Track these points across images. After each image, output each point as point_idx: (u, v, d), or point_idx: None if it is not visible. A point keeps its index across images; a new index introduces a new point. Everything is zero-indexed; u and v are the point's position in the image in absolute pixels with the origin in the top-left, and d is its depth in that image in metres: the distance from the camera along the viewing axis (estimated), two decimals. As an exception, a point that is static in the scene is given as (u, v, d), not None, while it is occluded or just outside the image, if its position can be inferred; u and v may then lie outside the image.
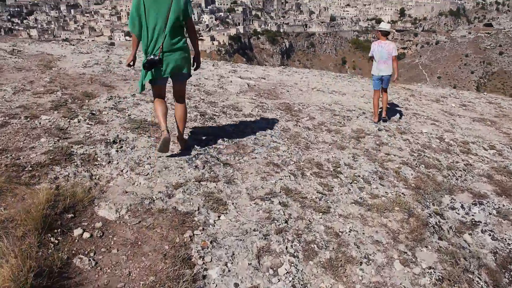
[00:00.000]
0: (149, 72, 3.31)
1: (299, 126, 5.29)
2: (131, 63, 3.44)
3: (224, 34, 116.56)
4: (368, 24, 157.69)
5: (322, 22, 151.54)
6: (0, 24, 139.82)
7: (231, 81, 7.21)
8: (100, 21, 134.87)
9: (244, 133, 4.63)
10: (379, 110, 6.10)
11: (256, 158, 4.00)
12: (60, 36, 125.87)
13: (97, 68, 6.60)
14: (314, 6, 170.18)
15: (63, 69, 6.32)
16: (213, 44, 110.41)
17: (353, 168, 4.27)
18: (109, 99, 5.00)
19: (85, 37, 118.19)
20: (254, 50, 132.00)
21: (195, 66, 3.69)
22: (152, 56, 3.25)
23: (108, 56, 7.97)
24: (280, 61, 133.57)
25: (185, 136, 4.07)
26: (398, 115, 6.66)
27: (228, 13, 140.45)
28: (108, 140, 3.78)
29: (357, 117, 6.15)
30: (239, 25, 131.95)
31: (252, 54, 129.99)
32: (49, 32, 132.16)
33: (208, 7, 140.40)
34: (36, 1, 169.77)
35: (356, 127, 5.66)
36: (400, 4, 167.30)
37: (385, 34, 6.08)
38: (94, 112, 4.49)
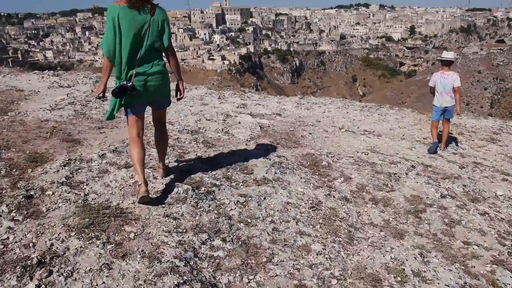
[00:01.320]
0: (124, 98, 2.97)
1: (333, 196, 3.78)
2: (101, 95, 3.10)
3: (234, 54, 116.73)
4: (378, 42, 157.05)
5: (332, 41, 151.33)
6: (17, 46, 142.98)
7: (239, 122, 5.76)
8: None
9: (257, 218, 3.13)
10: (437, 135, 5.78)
11: (276, 277, 2.48)
12: (74, 58, 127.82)
13: (68, 111, 5.22)
14: (324, 25, 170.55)
15: (22, 114, 4.96)
16: (223, 63, 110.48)
17: (428, 280, 2.72)
18: (64, 165, 3.54)
19: (99, 58, 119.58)
20: (265, 69, 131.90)
21: (178, 96, 3.39)
22: (124, 82, 2.92)
23: (92, 91, 6.62)
24: (291, 79, 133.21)
25: (167, 161, 3.75)
26: (457, 167, 5.11)
27: (239, 33, 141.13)
28: (30, 262, 2.24)
29: (406, 173, 4.61)
30: (249, 44, 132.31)
31: (263, 73, 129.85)
32: (64, 53, 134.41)
33: (219, 27, 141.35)
34: (52, 24, 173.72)
35: (409, 191, 4.12)
36: (410, 22, 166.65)
37: (449, 63, 5.78)
38: (31, 193, 3.03)
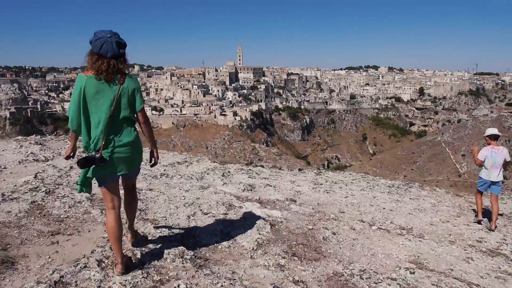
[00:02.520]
0: (96, 170, 2.82)
1: None
2: (71, 154, 2.99)
3: (246, 110, 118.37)
4: (388, 102, 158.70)
5: (342, 100, 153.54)
6: (38, 97, 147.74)
7: (244, 218, 4.54)
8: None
9: None
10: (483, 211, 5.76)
11: None
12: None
13: (23, 204, 4.06)
14: (334, 85, 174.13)
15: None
16: (235, 119, 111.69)
17: None
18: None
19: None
20: (275, 126, 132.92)
21: (152, 162, 3.29)
22: (92, 153, 2.82)
23: (71, 167, 5.55)
24: (301, 136, 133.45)
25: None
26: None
27: (251, 91, 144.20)
28: None
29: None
30: (261, 101, 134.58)
31: (273, 129, 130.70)
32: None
33: (232, 85, 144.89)
34: (73, 78, 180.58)
35: None
36: (419, 84, 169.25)
37: (496, 138, 5.86)
38: None
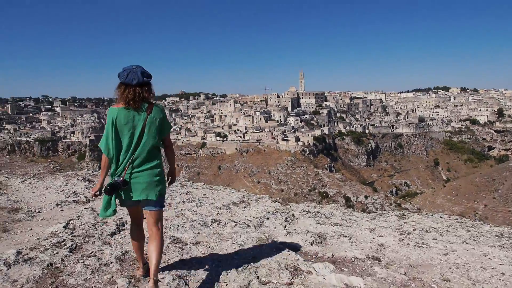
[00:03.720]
0: (113, 200, 3.03)
1: None
2: (97, 193, 3.11)
3: (308, 135, 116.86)
4: (462, 125, 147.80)
5: (410, 123, 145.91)
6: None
7: (315, 291, 3.37)
8: (196, 123, 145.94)
9: None
10: None
11: None
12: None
13: (37, 267, 3.22)
14: (400, 108, 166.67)
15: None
16: (297, 144, 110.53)
17: None
18: None
19: (182, 137, 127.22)
20: (339, 151, 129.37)
21: (169, 181, 3.44)
22: (116, 178, 3.00)
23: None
24: (366, 161, 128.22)
25: (160, 275, 3.24)
26: None
27: (313, 116, 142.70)
28: None
29: None
30: (323, 126, 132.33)
31: (337, 154, 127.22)
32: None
33: (294, 110, 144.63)
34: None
35: None
36: (497, 104, 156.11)
37: None
38: None
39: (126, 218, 4.72)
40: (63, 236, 3.84)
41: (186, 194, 6.40)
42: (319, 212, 6.16)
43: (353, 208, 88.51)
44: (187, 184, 7.42)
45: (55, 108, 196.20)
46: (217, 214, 5.46)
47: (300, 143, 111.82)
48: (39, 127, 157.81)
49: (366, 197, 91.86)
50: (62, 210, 4.84)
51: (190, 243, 4.15)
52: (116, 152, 3.02)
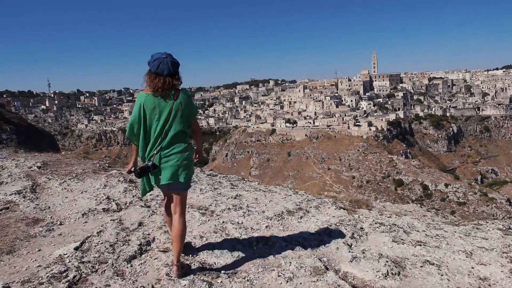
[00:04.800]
0: (150, 178, 3.23)
1: None
2: (132, 169, 3.30)
3: (382, 120, 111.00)
4: None
5: (499, 104, 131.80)
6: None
7: None
8: (265, 110, 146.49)
9: None
10: None
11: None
12: (231, 124, 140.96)
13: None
14: (487, 87, 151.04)
15: None
16: (370, 129, 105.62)
17: None
18: None
19: (251, 124, 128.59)
20: (416, 136, 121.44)
21: (197, 159, 3.50)
22: (146, 162, 3.16)
23: (139, 225, 4.09)
24: (447, 147, 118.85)
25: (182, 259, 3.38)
26: None
27: (387, 99, 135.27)
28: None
29: None
30: (398, 110, 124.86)
31: (413, 139, 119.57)
32: (223, 120, 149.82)
33: (367, 94, 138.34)
34: (216, 96, 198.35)
35: None
36: None
37: None
38: None
39: (154, 234, 3.95)
40: (69, 262, 3.17)
41: (235, 198, 5.52)
42: (395, 225, 4.91)
43: (430, 197, 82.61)
44: (239, 185, 6.55)
45: (135, 99, 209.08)
46: (266, 227, 4.48)
47: (373, 128, 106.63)
48: (122, 117, 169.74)
49: (446, 185, 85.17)
50: (86, 222, 4.23)
51: (224, 273, 3.25)
52: (143, 136, 3.15)
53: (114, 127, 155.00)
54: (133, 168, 3.24)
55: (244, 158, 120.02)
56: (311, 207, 5.38)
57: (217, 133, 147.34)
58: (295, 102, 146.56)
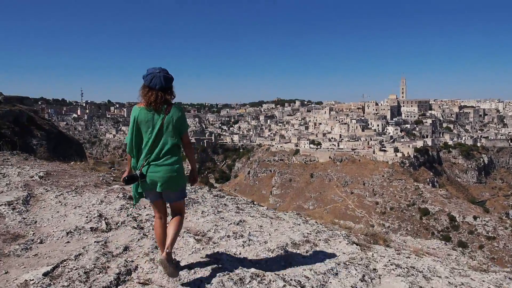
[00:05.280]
0: (139, 186, 3.33)
1: None
2: (126, 178, 3.33)
3: (409, 146, 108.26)
4: None
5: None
6: (213, 130, 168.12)
7: None
8: (290, 130, 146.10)
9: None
10: None
11: None
12: (255, 142, 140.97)
13: None
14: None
15: None
16: (396, 155, 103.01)
17: None
18: None
19: (275, 143, 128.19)
20: (444, 165, 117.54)
21: (190, 182, 3.62)
22: (135, 172, 3.29)
23: (125, 249, 3.70)
24: (476, 178, 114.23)
25: (173, 255, 3.57)
26: None
27: (415, 125, 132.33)
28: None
29: None
30: (426, 137, 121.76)
31: (441, 168, 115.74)
32: (247, 138, 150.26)
33: (394, 119, 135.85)
34: (242, 113, 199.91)
35: None
36: None
37: None
38: None
39: (138, 262, 3.55)
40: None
41: (237, 224, 5.07)
42: (414, 268, 4.32)
43: (457, 229, 78.94)
44: (245, 209, 6.09)
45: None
46: (266, 261, 4.01)
47: (399, 154, 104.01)
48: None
49: (475, 217, 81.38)
50: (68, 242, 3.88)
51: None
52: (137, 147, 3.29)
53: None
54: (127, 178, 3.30)
55: (267, 176, 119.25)
56: (320, 240, 4.86)
57: (241, 150, 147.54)
58: (320, 123, 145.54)
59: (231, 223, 5.06)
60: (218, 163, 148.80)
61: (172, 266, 3.15)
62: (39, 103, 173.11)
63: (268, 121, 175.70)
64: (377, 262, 4.40)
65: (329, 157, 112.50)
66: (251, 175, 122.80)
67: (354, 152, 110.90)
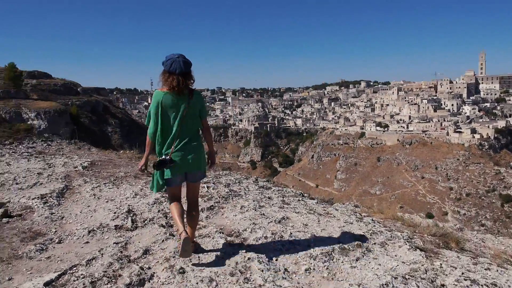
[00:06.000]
0: (165, 171, 3.33)
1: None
2: (143, 167, 3.51)
3: (489, 127, 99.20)
4: None
5: None
6: (276, 114, 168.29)
7: None
8: (355, 112, 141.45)
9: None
10: None
11: None
12: (318, 125, 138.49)
13: None
14: None
15: None
16: (473, 137, 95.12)
17: None
18: None
19: (340, 126, 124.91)
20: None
21: (209, 164, 3.71)
22: (164, 157, 3.31)
23: (144, 252, 3.30)
24: None
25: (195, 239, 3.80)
26: None
27: (496, 104, 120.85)
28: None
29: None
30: (510, 117, 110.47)
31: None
32: (311, 121, 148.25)
33: (471, 98, 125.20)
34: (305, 96, 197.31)
35: None
36: None
37: None
38: None
39: (155, 269, 3.12)
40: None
41: (279, 222, 4.48)
42: (495, 286, 3.43)
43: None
44: (292, 203, 5.46)
45: (227, 98, 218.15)
46: (306, 270, 3.37)
47: (477, 136, 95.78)
48: (214, 115, 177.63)
49: None
50: (87, 242, 3.58)
51: None
52: (163, 133, 3.30)
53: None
54: (144, 167, 3.44)
55: (331, 160, 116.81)
56: (375, 243, 4.11)
57: (304, 134, 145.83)
58: (387, 104, 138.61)
59: (271, 221, 4.48)
60: (281, 147, 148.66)
61: (190, 248, 3.23)
62: (114, 93, 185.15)
63: (332, 103, 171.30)
64: (446, 275, 3.57)
65: (397, 139, 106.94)
66: (314, 159, 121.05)
67: (425, 134, 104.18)
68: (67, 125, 40.27)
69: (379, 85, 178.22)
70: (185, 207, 3.59)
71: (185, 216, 3.46)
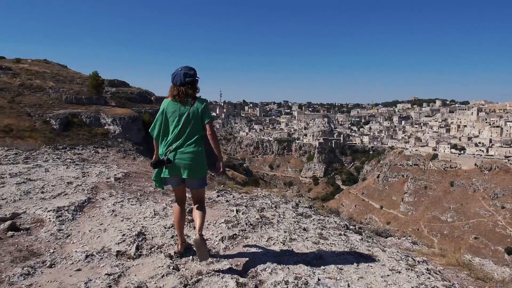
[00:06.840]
0: (164, 170, 3.57)
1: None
2: (154, 163, 3.62)
3: None
4: None
5: None
6: (342, 130, 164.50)
7: None
8: (428, 132, 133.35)
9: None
10: None
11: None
12: (386, 144, 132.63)
13: None
14: None
15: None
16: None
17: None
18: None
19: (410, 146, 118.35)
20: None
21: (217, 172, 3.76)
22: (162, 157, 3.54)
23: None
24: None
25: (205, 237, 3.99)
26: None
27: None
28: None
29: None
30: None
31: None
32: (378, 139, 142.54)
33: None
34: (373, 113, 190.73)
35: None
36: None
37: None
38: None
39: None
40: None
41: (308, 263, 3.74)
42: None
43: None
44: (330, 238, 4.65)
45: (293, 112, 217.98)
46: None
47: None
48: (279, 128, 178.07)
49: None
50: (79, 269, 3.17)
51: None
52: (163, 136, 3.62)
53: (271, 137, 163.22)
54: (155, 162, 3.56)
55: (398, 181, 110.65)
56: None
57: (371, 152, 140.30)
58: (465, 126, 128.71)
59: (299, 260, 3.79)
60: (345, 164, 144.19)
61: (206, 248, 3.36)
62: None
63: (403, 122, 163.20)
64: None
65: (475, 164, 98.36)
66: (380, 178, 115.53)
67: (508, 160, 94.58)
68: (139, 131, 42.50)
69: (457, 105, 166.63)
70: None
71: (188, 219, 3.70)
